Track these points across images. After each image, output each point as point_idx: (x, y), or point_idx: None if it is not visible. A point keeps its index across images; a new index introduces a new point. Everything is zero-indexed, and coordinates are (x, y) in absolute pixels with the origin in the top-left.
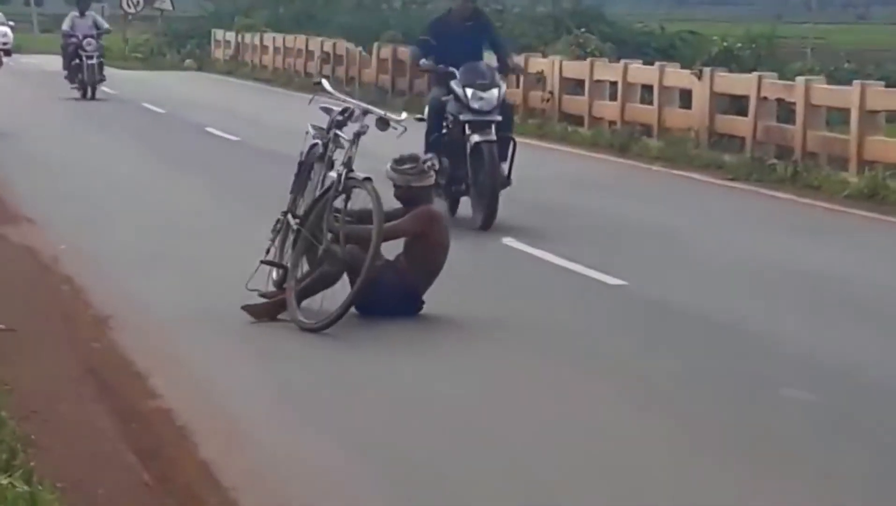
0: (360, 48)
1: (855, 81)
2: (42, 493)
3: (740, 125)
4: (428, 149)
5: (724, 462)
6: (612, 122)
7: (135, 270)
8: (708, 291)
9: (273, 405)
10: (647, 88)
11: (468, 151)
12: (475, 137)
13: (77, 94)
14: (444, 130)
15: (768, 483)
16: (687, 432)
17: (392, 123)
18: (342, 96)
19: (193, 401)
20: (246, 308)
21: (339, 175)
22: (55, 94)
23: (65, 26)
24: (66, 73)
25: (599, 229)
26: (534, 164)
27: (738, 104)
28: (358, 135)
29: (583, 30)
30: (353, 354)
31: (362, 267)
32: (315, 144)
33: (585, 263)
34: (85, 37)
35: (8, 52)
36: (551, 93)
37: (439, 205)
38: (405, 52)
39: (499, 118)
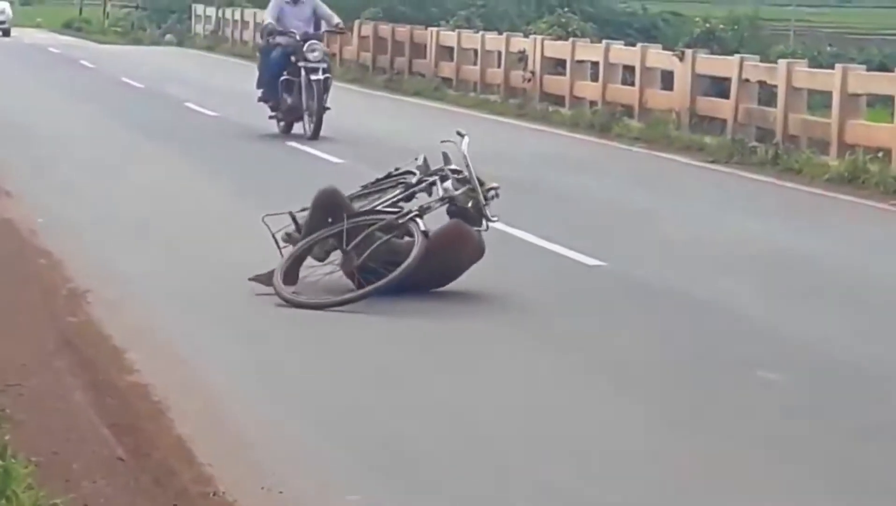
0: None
1: (837, 65)
2: (16, 466)
3: (721, 107)
4: None
5: (694, 442)
6: (593, 103)
7: (113, 244)
8: (687, 272)
9: (251, 382)
10: (629, 69)
11: None
12: None
13: (277, 127)
14: None
15: (739, 463)
16: (660, 412)
17: (486, 220)
18: (469, 163)
19: (170, 376)
20: (255, 279)
21: (406, 214)
22: (32, 64)
23: (268, 16)
24: (260, 92)
25: (579, 210)
26: (514, 143)
27: (719, 86)
28: (454, 206)
29: (565, 9)
30: (332, 332)
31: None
32: (412, 174)
33: (564, 243)
34: (307, 39)
35: (6, 32)
36: (532, 72)
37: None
38: (386, 29)
39: None
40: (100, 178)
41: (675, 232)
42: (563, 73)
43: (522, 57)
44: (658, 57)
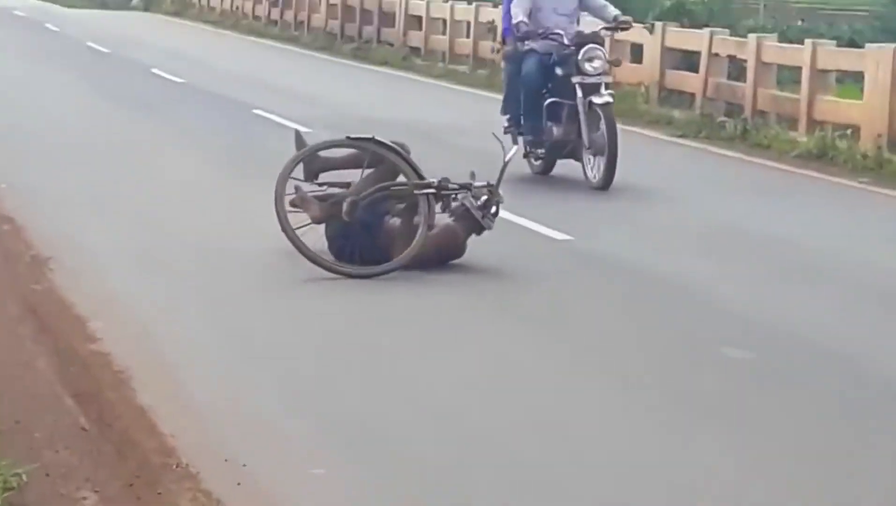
0: None
1: (807, 40)
2: None
3: (691, 81)
4: None
5: (657, 417)
6: None
7: (77, 211)
8: (653, 248)
9: (215, 352)
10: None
11: None
12: None
13: (534, 167)
14: None
15: (700, 438)
16: (623, 386)
17: (487, 227)
18: (504, 170)
19: (133, 345)
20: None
21: (427, 185)
22: None
23: (516, 11)
24: (506, 119)
25: (546, 184)
26: (482, 114)
27: (689, 60)
28: (462, 205)
29: None
30: (299, 302)
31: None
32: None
33: (531, 216)
34: (580, 42)
35: None
36: (502, 43)
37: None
38: None
39: None
40: (64, 144)
41: (643, 207)
42: None
43: (492, 27)
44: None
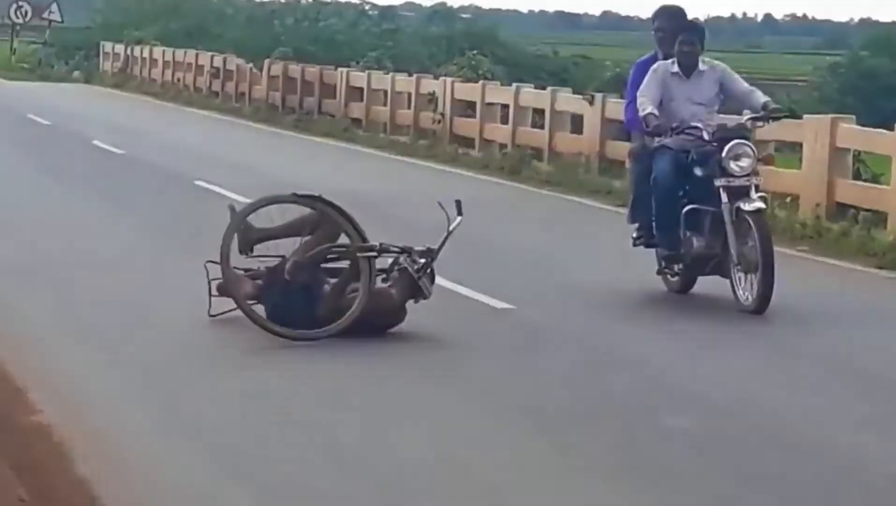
0: (250, 64)
1: (745, 111)
2: None
3: None
4: None
5: (601, 489)
6: (502, 146)
7: (15, 283)
8: (595, 317)
9: (154, 423)
10: (539, 112)
11: None
12: None
13: (665, 283)
14: None
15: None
16: (567, 457)
17: (424, 293)
18: (447, 239)
19: (72, 417)
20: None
21: (369, 248)
22: None
23: (643, 100)
24: (636, 229)
25: (488, 253)
26: (423, 184)
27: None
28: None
29: (475, 52)
30: (234, 371)
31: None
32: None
33: (472, 285)
34: (723, 137)
35: None
36: (442, 114)
37: None
38: (296, 69)
39: None
40: (1, 216)
41: (583, 276)
42: (473, 116)
43: (433, 99)
44: (568, 101)
